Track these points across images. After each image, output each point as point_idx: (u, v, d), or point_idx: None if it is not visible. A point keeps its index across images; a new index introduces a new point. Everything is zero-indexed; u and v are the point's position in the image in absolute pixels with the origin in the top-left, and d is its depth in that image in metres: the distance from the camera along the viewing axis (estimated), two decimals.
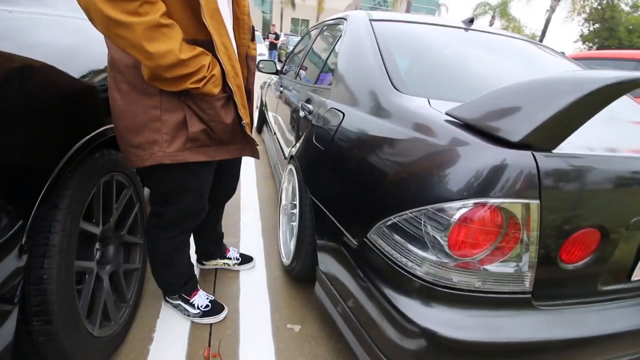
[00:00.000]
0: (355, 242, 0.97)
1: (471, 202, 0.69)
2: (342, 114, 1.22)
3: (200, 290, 1.36)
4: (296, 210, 1.47)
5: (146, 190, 1.49)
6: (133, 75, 0.89)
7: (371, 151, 0.99)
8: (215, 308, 1.34)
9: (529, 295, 0.78)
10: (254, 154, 1.16)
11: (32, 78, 0.77)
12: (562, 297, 0.83)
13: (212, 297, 1.37)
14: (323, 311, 1.21)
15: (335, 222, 1.10)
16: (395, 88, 1.06)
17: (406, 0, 19.28)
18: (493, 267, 0.75)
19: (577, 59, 3.33)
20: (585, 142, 0.75)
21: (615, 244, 0.80)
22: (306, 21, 28.33)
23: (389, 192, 0.87)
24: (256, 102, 4.05)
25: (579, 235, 0.75)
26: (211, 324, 1.32)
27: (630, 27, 15.33)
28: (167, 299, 1.34)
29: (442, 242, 0.74)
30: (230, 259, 1.62)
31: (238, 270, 1.64)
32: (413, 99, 1.01)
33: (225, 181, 1.32)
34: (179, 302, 1.32)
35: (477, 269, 0.75)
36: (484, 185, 0.68)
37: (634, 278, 0.88)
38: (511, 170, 0.67)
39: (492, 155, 0.68)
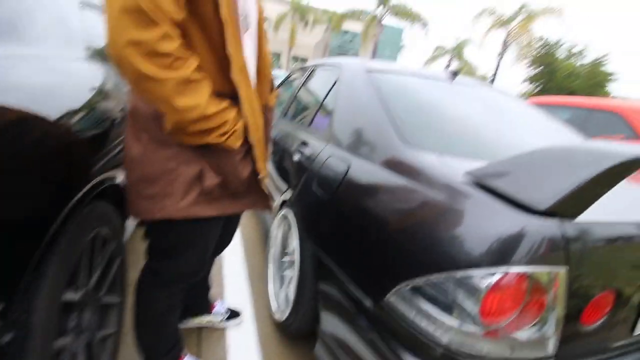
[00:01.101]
0: (370, 304, 0.92)
1: (502, 269, 0.68)
2: (347, 163, 1.20)
3: (188, 355, 1.22)
4: (288, 258, 1.40)
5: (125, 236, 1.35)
6: (154, 126, 0.85)
7: (384, 206, 0.97)
8: None
9: (553, 359, 0.77)
10: (268, 206, 1.11)
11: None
12: (580, 357, 0.83)
13: None
14: None
15: (345, 279, 1.04)
16: (402, 141, 1.08)
17: (372, 43, 20.60)
18: (521, 334, 0.73)
19: (538, 105, 3.66)
20: (596, 209, 0.78)
21: (626, 303, 0.82)
22: (277, 54, 29.21)
23: (409, 253, 0.85)
24: None
25: (599, 298, 0.76)
26: None
27: (567, 73, 17.35)
28: None
29: (472, 309, 0.71)
30: (215, 315, 1.49)
31: (224, 328, 1.50)
32: (423, 153, 1.02)
33: (225, 233, 1.23)
34: None
35: (504, 336, 0.73)
36: (515, 252, 0.68)
37: (635, 333, 0.90)
38: (540, 238, 0.67)
39: (522, 222, 0.69)
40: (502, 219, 0.71)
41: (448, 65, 22.71)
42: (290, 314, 1.36)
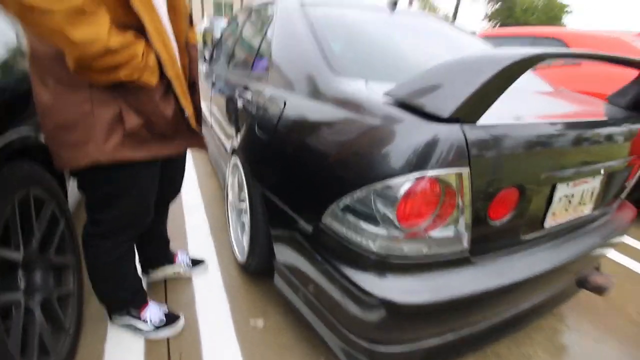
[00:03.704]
0: (310, 228, 0.99)
1: (413, 176, 0.75)
2: (283, 101, 1.21)
3: (151, 302, 1.27)
4: (245, 205, 1.43)
5: (72, 201, 1.33)
6: (58, 67, 0.79)
7: (315, 136, 1.01)
8: (170, 319, 1.26)
9: (467, 254, 0.88)
10: (202, 146, 1.10)
11: None
12: (492, 250, 0.95)
13: (165, 308, 1.29)
14: (284, 301, 1.22)
15: (288, 211, 1.10)
16: (332, 71, 1.08)
17: None
18: (436, 233, 0.82)
19: (485, 37, 3.69)
20: (498, 113, 0.85)
21: (530, 199, 0.93)
22: (229, 5, 26.93)
23: (337, 175, 0.90)
24: None
25: (502, 195, 0.86)
26: (168, 338, 1.25)
27: (525, 7, 17.38)
28: (114, 318, 1.23)
29: (391, 216, 0.79)
30: (179, 264, 1.53)
31: (190, 276, 1.56)
32: (350, 81, 1.04)
33: (168, 180, 1.22)
34: (128, 319, 1.22)
35: (423, 236, 0.82)
36: (422, 158, 0.74)
37: (546, 225, 1.03)
38: (444, 143, 0.73)
39: (426, 130, 0.74)
40: (412, 130, 0.76)
41: (410, 4, 21.98)
42: (248, 254, 1.43)
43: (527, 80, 1.58)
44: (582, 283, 1.25)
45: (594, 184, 1.10)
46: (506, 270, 0.92)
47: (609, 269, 1.91)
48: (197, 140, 1.07)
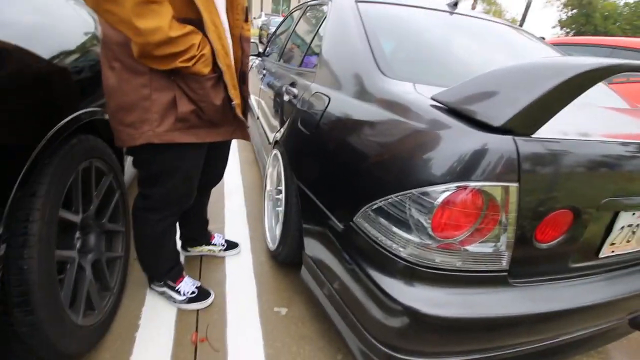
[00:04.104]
0: (341, 226, 0.99)
1: (454, 185, 0.71)
2: (327, 98, 1.21)
3: (186, 276, 1.36)
4: (281, 196, 1.47)
5: (127, 176, 1.45)
6: (124, 53, 0.88)
7: (357, 135, 1.00)
8: (201, 294, 1.34)
9: (506, 274, 0.83)
10: (245, 136, 1.15)
11: None
12: (535, 275, 0.88)
13: (198, 283, 1.37)
14: (309, 294, 1.24)
15: (322, 206, 1.11)
16: (382, 72, 1.06)
17: None
18: (473, 248, 0.78)
19: (555, 45, 3.40)
20: (560, 127, 0.78)
21: (586, 224, 0.84)
22: (287, 1, 27.46)
23: (374, 176, 0.88)
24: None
25: (553, 216, 0.79)
26: (198, 310, 1.32)
27: (606, 13, 15.70)
28: (153, 286, 1.34)
29: (425, 224, 0.76)
30: (215, 245, 1.62)
31: (224, 257, 1.64)
32: (399, 83, 1.01)
33: (212, 166, 1.30)
34: (165, 289, 1.32)
35: (458, 249, 0.78)
36: (466, 168, 0.70)
37: (601, 255, 0.94)
38: (492, 154, 0.69)
39: (474, 139, 0.70)
40: (458, 138, 0.73)
41: (473, 8, 20.90)
42: (279, 243, 1.47)
43: (601, 94, 1.43)
44: (637, 324, 1.12)
45: None
46: (546, 298, 0.85)
47: None
48: (241, 130, 1.12)
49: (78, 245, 1.07)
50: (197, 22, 0.88)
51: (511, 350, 0.95)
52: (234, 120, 1.08)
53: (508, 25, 1.76)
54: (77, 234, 1.06)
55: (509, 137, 0.69)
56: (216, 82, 0.96)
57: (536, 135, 0.71)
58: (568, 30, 16.94)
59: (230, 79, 0.99)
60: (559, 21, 16.82)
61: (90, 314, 1.07)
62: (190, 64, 0.87)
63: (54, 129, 0.84)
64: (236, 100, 1.03)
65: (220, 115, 1.02)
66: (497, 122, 0.68)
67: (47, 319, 0.82)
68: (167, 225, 1.18)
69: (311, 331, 1.30)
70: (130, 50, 0.85)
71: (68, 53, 0.99)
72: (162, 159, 1.01)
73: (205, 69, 0.91)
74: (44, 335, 0.82)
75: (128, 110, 0.91)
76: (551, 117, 0.68)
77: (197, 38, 0.88)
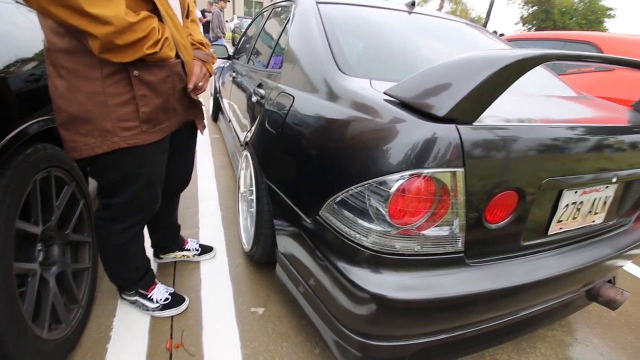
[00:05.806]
0: (309, 221, 1.01)
1: (407, 173, 0.75)
2: (292, 98, 1.23)
3: (159, 283, 1.34)
4: (254, 196, 1.48)
5: (93, 185, 1.41)
6: (72, 61, 0.84)
7: (318, 132, 1.03)
8: (175, 300, 1.33)
9: (462, 254, 0.87)
10: (200, 116, 1.18)
11: None
12: (490, 254, 0.93)
13: (171, 290, 1.35)
14: (285, 292, 1.25)
15: (290, 203, 1.13)
16: (340, 70, 1.10)
17: None
18: (430, 232, 0.82)
19: (514, 40, 3.57)
20: (504, 115, 0.84)
21: (531, 204, 0.90)
22: (260, 3, 27.34)
23: (336, 170, 0.91)
24: (210, 89, 3.95)
25: (499, 198, 0.84)
26: (172, 317, 1.31)
27: (563, 9, 16.56)
28: (124, 296, 1.31)
29: (383, 212, 0.79)
30: (189, 250, 1.60)
31: (198, 261, 1.63)
32: (356, 80, 1.05)
33: (177, 171, 1.29)
34: (136, 297, 1.29)
35: (417, 234, 0.82)
36: (417, 157, 0.74)
37: (550, 232, 1.00)
38: (439, 142, 0.73)
39: (422, 129, 0.74)
40: (409, 129, 0.77)
41: (440, 7, 21.51)
42: (253, 243, 1.47)
43: (549, 84, 1.53)
44: (593, 296, 1.20)
45: (607, 192, 1.06)
46: (502, 275, 0.90)
47: (625, 283, 1.82)
48: (197, 111, 1.14)
49: (40, 257, 1.04)
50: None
51: (477, 328, 1.00)
52: (189, 103, 1.11)
53: (464, 23, 1.85)
54: (39, 246, 1.03)
55: (452, 126, 0.73)
56: (181, 68, 0.98)
57: (478, 122, 0.76)
58: (530, 26, 17.75)
59: (188, 60, 1.01)
60: (521, 18, 17.60)
61: (57, 328, 1.04)
62: (157, 48, 0.86)
63: (4, 140, 0.82)
64: (191, 85, 1.05)
65: (179, 101, 1.04)
66: (441, 112, 0.73)
67: (6, 334, 0.80)
68: (132, 235, 1.15)
69: (288, 328, 1.32)
70: (79, 57, 0.83)
71: (18, 62, 0.96)
72: (119, 165, 0.98)
73: (171, 52, 0.91)
74: (5, 350, 0.80)
75: (83, 120, 0.87)
76: (489, 105, 0.73)
77: (154, 22, 0.86)
